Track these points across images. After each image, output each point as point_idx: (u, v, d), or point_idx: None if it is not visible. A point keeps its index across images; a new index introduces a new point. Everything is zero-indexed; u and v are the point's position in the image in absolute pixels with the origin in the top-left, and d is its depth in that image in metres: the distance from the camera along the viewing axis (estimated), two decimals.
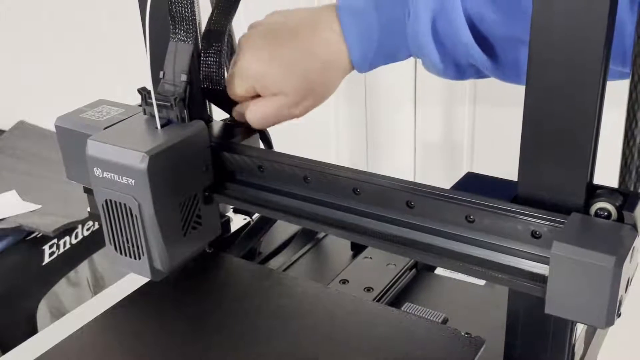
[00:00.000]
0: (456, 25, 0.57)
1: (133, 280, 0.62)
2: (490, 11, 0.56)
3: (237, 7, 0.59)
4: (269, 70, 0.59)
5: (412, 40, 0.59)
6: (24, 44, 1.73)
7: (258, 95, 0.61)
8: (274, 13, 0.63)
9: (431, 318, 0.57)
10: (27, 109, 1.75)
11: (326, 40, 0.59)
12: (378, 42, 0.59)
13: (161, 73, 0.56)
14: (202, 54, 0.59)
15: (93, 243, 1.38)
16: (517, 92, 0.48)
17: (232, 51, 0.69)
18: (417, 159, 1.38)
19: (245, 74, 0.59)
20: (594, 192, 0.44)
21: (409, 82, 1.30)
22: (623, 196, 0.44)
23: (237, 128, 0.62)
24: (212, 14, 0.58)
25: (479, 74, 0.62)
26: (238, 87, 0.60)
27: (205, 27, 0.59)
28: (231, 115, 0.63)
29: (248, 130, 0.62)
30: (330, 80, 0.61)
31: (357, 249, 0.70)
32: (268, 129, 0.64)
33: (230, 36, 0.65)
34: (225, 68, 0.61)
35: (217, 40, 0.59)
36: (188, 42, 0.56)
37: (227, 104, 0.61)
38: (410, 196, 0.49)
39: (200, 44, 0.59)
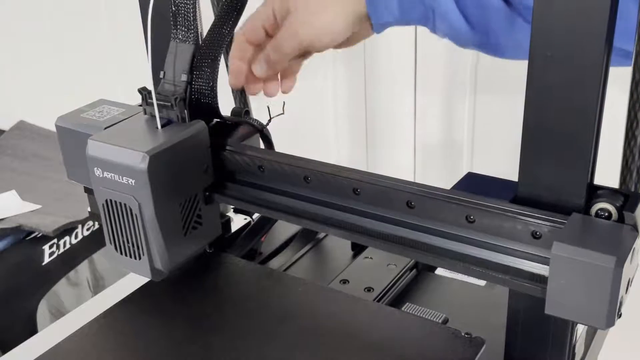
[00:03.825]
0: None
1: (133, 280, 0.61)
2: None
3: (230, 33, 0.58)
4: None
5: None
6: (24, 44, 1.73)
7: None
8: None
9: (431, 318, 0.57)
10: (27, 109, 1.75)
11: None
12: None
13: (162, 73, 0.56)
14: (195, 73, 0.57)
15: (93, 243, 1.38)
16: (517, 92, 0.48)
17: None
18: (417, 159, 1.38)
19: (267, 3, 0.64)
20: (595, 192, 0.44)
21: (409, 83, 1.30)
22: (624, 197, 0.44)
23: (238, 128, 0.62)
24: (206, 36, 0.58)
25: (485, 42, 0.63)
26: (258, 12, 0.64)
27: (199, 46, 0.57)
28: (223, 118, 0.62)
29: (248, 130, 0.62)
30: (349, 20, 0.63)
31: (357, 249, 0.69)
32: (268, 128, 0.64)
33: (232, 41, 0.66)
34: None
35: (210, 65, 0.57)
36: (189, 43, 0.55)
37: (216, 115, 0.61)
38: (411, 196, 0.49)
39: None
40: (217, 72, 0.57)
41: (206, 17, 0.60)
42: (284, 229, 0.73)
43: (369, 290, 0.63)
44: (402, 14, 0.64)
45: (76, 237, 1.35)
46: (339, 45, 0.67)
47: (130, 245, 0.55)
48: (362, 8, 0.63)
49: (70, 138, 0.59)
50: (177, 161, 0.54)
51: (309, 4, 0.62)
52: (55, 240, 1.31)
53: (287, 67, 0.67)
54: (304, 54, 0.67)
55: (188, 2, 0.54)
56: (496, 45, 0.64)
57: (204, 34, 0.58)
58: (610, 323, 0.41)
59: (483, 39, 0.64)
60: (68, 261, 1.36)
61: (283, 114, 0.70)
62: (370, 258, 0.68)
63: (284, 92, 0.69)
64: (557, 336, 0.48)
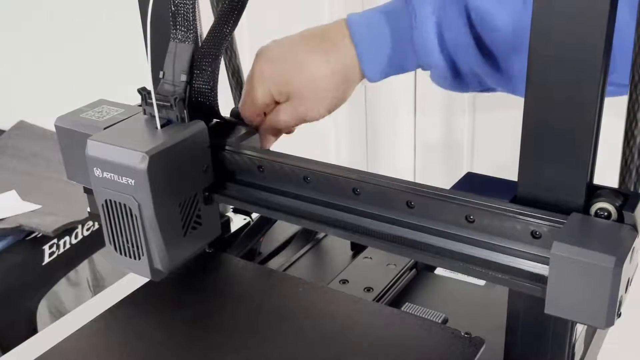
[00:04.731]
0: (457, 26, 0.57)
1: (133, 280, 0.62)
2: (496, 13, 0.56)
3: (231, 33, 0.58)
4: (283, 74, 0.60)
5: (420, 47, 0.60)
6: (24, 44, 1.73)
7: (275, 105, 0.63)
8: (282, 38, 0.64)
9: (431, 318, 0.57)
10: (27, 109, 1.75)
11: (338, 51, 0.61)
12: (389, 53, 0.61)
13: (161, 73, 0.56)
14: (195, 73, 0.57)
15: (93, 243, 1.38)
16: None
17: (231, 57, 0.69)
18: (417, 159, 1.38)
19: (262, 78, 0.61)
20: (594, 192, 0.44)
21: (409, 83, 1.30)
22: (623, 196, 0.44)
23: (237, 128, 0.62)
24: (207, 36, 0.58)
25: (483, 86, 0.63)
26: (257, 91, 0.61)
27: (200, 46, 0.57)
28: (223, 118, 0.62)
29: (248, 130, 0.62)
30: (342, 89, 0.63)
31: (357, 249, 0.70)
32: None
33: (232, 45, 0.66)
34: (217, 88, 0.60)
35: (210, 65, 0.57)
36: (188, 43, 0.55)
37: (216, 116, 0.61)
38: (410, 196, 0.49)
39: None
40: (218, 72, 0.57)
41: (206, 17, 0.60)
42: (284, 229, 0.73)
43: (368, 290, 0.63)
44: (401, 70, 0.63)
45: (76, 237, 1.35)
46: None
47: (130, 245, 0.55)
48: (350, 67, 0.62)
49: (70, 138, 0.59)
50: (177, 161, 0.54)
51: (305, 95, 0.62)
52: (55, 240, 1.31)
53: None
54: None
55: (187, 2, 0.54)
56: (494, 88, 0.64)
57: (204, 34, 0.58)
58: (609, 322, 0.41)
59: (480, 88, 0.64)
60: (68, 261, 1.36)
61: None
62: (370, 258, 0.68)
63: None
64: (557, 336, 0.48)
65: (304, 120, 0.63)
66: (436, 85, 0.65)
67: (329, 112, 0.63)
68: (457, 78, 0.61)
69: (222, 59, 0.59)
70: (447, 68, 0.60)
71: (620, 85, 0.49)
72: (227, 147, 0.58)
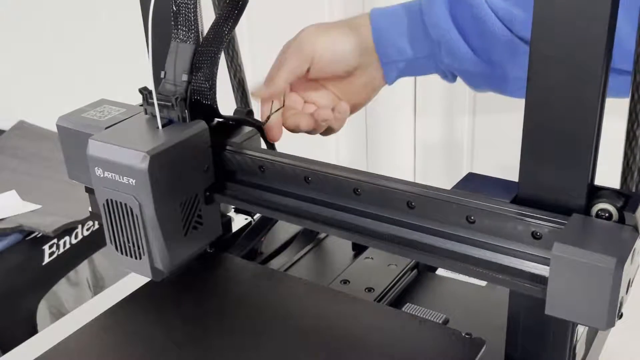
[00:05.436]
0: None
1: (133, 280, 0.62)
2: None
3: (231, 31, 0.58)
4: (312, 45, 0.66)
5: (432, 27, 0.65)
6: (24, 44, 1.73)
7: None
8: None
9: (432, 319, 0.57)
10: (27, 109, 1.75)
11: (358, 29, 0.68)
12: (401, 32, 0.67)
13: (162, 73, 0.56)
14: (194, 72, 0.57)
15: (93, 243, 1.38)
16: None
17: (233, 57, 0.69)
18: (417, 159, 1.38)
19: (295, 50, 0.66)
20: (595, 193, 0.44)
21: (409, 82, 1.30)
22: (624, 197, 0.44)
23: (238, 128, 0.62)
24: (207, 34, 0.58)
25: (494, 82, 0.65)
26: (289, 60, 0.66)
27: (200, 43, 0.57)
28: (222, 116, 0.62)
29: (249, 130, 0.62)
30: (354, 58, 0.68)
31: (358, 250, 0.69)
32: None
33: (234, 46, 0.66)
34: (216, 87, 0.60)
35: (209, 64, 0.57)
36: (189, 42, 0.56)
37: (215, 115, 0.60)
38: (411, 197, 0.49)
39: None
40: (217, 70, 0.57)
41: (207, 17, 0.60)
42: (285, 229, 0.73)
43: (369, 291, 0.63)
44: (412, 50, 0.68)
45: (76, 237, 1.35)
46: (347, 80, 0.70)
47: (131, 245, 0.55)
48: (369, 43, 0.68)
49: (71, 138, 0.59)
50: (178, 161, 0.54)
51: (314, 30, 0.68)
52: (55, 240, 1.31)
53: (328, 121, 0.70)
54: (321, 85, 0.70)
55: (189, 2, 0.54)
56: (503, 78, 0.66)
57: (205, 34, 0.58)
58: (610, 324, 0.41)
59: (489, 69, 0.66)
60: (68, 261, 1.36)
61: (283, 107, 0.70)
62: (371, 258, 0.68)
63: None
64: (558, 337, 0.48)
65: (303, 59, 0.67)
66: (461, 77, 0.69)
67: (333, 60, 0.67)
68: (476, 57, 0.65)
69: (224, 60, 0.59)
70: (462, 40, 0.64)
71: (623, 72, 0.49)
72: (228, 147, 0.58)
